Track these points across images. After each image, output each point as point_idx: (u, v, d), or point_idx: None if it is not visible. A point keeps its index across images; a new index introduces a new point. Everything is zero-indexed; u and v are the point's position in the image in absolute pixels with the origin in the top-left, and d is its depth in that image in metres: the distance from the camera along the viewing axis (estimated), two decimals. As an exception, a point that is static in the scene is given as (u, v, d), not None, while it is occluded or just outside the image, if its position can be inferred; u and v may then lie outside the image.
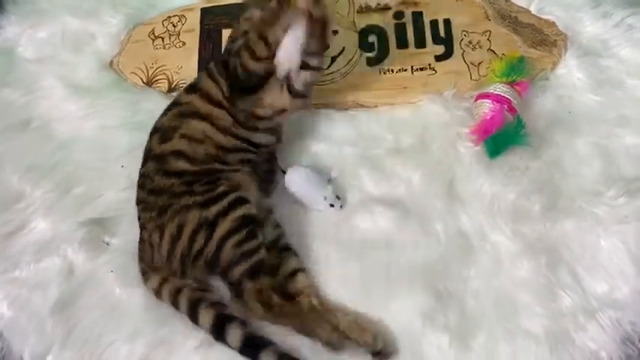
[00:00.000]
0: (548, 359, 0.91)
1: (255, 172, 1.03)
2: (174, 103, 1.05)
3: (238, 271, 0.92)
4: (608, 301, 0.96)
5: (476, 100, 1.12)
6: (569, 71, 1.17)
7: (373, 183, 1.09)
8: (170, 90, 1.22)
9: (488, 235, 1.02)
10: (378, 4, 1.25)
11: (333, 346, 0.91)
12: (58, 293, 1.03)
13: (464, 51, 1.19)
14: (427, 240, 1.02)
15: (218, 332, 0.92)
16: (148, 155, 1.02)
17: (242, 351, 0.91)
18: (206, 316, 0.93)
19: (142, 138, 1.06)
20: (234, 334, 0.91)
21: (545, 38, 1.20)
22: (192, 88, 1.04)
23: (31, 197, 1.12)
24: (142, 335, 0.98)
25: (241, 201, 0.94)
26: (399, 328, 0.95)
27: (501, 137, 1.07)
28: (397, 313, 0.96)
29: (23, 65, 1.29)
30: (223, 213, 0.93)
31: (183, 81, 1.21)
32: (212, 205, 0.93)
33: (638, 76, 1.15)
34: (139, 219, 1.01)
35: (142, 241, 1.00)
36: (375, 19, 1.24)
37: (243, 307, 0.93)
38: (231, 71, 0.99)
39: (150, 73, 1.24)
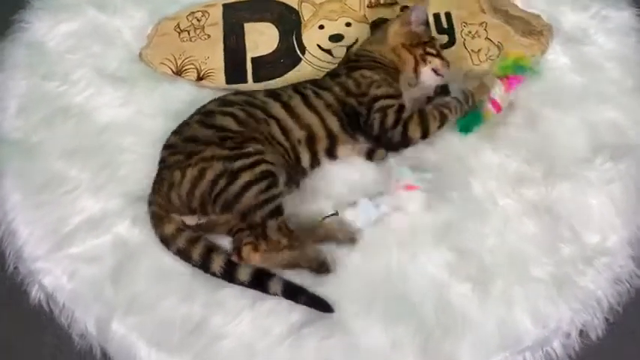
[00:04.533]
0: (556, 298, 1.05)
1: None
2: (249, 95, 1.16)
3: (260, 214, 1.02)
4: (601, 249, 1.10)
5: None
6: (557, 57, 1.31)
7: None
8: (199, 79, 1.29)
9: (498, 200, 1.14)
10: (386, 0, 1.36)
11: None
12: (114, 264, 1.09)
13: (464, 40, 1.31)
14: (445, 205, 1.13)
15: (230, 274, 1.04)
16: (200, 110, 1.13)
17: (251, 284, 1.04)
18: (218, 261, 1.04)
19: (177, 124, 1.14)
20: (244, 272, 1.04)
21: (533, 28, 1.33)
22: (273, 94, 1.15)
23: (78, 179, 1.17)
24: (197, 297, 1.05)
25: (264, 162, 1.04)
26: (428, 279, 1.07)
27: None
28: (425, 266, 1.08)
29: (55, 58, 1.32)
30: (246, 168, 1.02)
31: (212, 70, 1.29)
32: (237, 160, 1.03)
33: (614, 59, 1.30)
34: (162, 162, 1.10)
35: (160, 181, 1.08)
36: (384, 13, 1.34)
37: (268, 244, 1.04)
38: (381, 129, 1.13)
39: (179, 64, 1.30)
